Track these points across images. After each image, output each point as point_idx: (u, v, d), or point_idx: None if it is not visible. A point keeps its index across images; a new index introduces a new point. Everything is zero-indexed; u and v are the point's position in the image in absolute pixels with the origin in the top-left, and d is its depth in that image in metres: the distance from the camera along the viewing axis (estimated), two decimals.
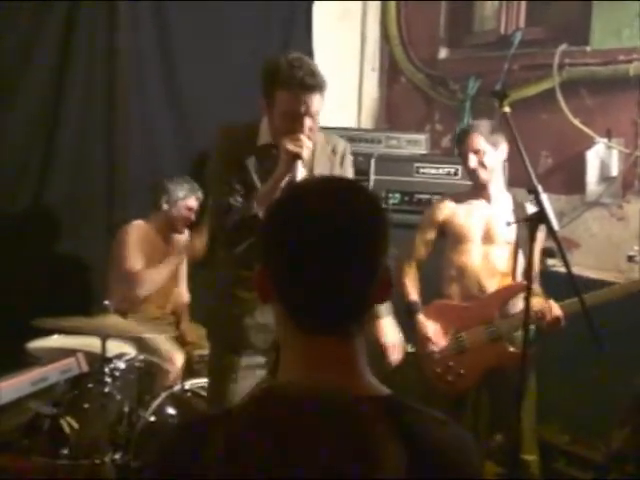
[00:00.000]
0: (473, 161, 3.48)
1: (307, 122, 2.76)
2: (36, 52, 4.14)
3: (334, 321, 1.21)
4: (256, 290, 1.28)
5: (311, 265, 1.18)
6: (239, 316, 2.90)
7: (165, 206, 4.20)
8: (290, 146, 2.73)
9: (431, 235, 3.68)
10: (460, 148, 3.56)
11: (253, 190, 2.83)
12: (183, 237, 4.29)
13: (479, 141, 3.45)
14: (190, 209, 4.22)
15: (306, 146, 2.74)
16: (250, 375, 2.88)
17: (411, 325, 3.55)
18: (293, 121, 2.75)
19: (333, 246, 1.18)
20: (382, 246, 1.24)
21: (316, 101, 2.75)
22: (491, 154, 3.46)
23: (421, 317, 3.57)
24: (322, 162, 2.96)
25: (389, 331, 3.06)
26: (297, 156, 2.73)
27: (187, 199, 4.20)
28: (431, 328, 3.55)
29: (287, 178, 2.75)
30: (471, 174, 3.54)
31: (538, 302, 3.31)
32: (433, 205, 3.82)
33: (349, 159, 3.08)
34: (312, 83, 2.71)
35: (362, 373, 1.22)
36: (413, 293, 3.63)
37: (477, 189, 3.56)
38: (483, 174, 3.48)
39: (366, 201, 1.25)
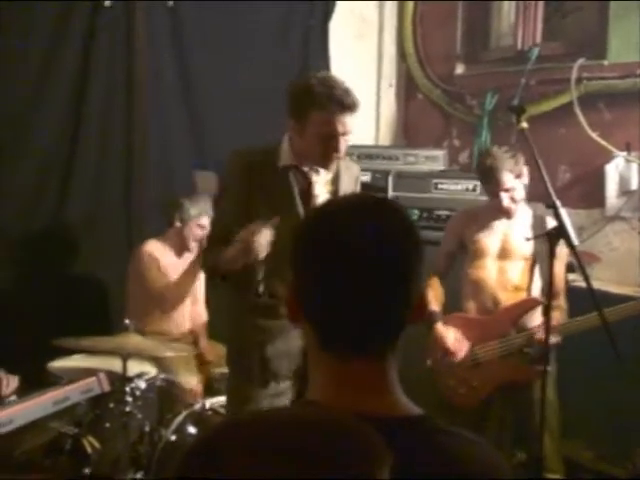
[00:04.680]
0: (506, 200, 3.42)
1: (342, 143, 2.68)
2: (54, 72, 4.18)
3: (367, 344, 1.18)
4: (286, 309, 1.25)
5: (344, 287, 1.15)
6: (260, 345, 2.82)
7: (178, 223, 4.20)
8: (245, 238, 2.63)
9: (451, 247, 3.67)
10: (486, 182, 3.50)
11: (275, 212, 2.68)
12: (193, 254, 4.30)
13: (509, 179, 3.38)
14: (202, 227, 4.18)
15: (260, 245, 2.61)
16: (272, 404, 2.76)
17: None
18: (327, 142, 2.67)
19: (368, 269, 1.14)
20: (417, 269, 1.19)
21: (351, 121, 2.68)
22: (520, 187, 3.42)
23: (440, 327, 3.53)
24: (346, 184, 2.92)
25: None
26: (249, 251, 2.62)
27: (200, 217, 4.16)
28: (450, 339, 3.51)
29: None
30: (502, 209, 3.47)
31: (556, 318, 3.29)
32: (453, 217, 3.82)
33: (359, 184, 3.06)
34: (349, 102, 2.63)
35: (393, 393, 1.19)
36: (432, 303, 3.58)
37: (499, 211, 3.50)
38: (514, 208, 3.46)
39: (401, 222, 1.21)
